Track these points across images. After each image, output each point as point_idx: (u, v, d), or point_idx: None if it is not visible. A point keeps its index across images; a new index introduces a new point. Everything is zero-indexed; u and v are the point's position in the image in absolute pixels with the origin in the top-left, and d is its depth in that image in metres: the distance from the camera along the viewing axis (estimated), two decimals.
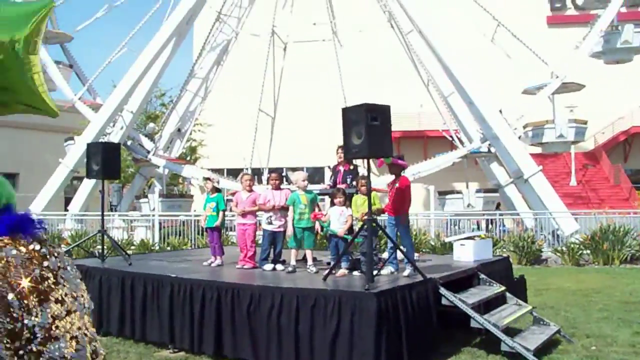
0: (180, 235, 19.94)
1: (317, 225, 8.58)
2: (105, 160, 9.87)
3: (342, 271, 7.78)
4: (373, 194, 7.74)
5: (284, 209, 8.63)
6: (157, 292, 7.72)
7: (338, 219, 8.08)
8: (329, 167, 33.77)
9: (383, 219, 8.46)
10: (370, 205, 7.11)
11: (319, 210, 8.65)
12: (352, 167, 9.46)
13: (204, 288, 7.17)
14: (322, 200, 9.98)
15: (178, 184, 34.90)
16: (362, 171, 9.58)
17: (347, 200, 8.22)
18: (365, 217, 7.17)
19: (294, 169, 28.07)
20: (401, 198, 7.89)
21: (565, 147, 27.61)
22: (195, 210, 24.46)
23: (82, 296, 1.70)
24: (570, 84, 24.22)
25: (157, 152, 26.02)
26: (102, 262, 9.55)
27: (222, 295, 6.97)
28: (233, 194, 10.64)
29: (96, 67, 37.08)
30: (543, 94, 23.45)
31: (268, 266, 8.62)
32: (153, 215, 21.83)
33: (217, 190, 9.44)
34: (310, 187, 8.86)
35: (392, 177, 8.12)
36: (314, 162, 34.40)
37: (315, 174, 33.63)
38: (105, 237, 10.15)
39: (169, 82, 47.57)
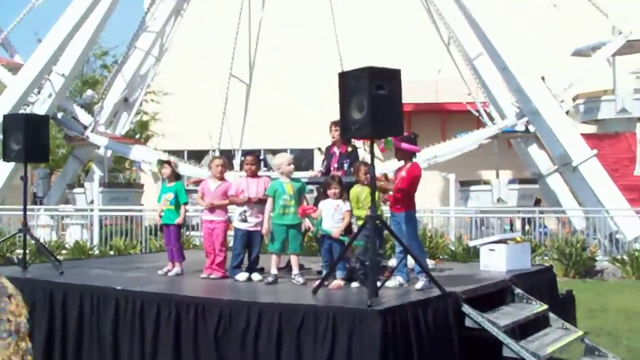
0: (127, 235, 19.96)
1: (307, 223, 8.55)
2: (28, 138, 9.82)
3: (338, 282, 7.85)
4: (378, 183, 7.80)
5: (262, 202, 8.67)
6: (98, 310, 7.64)
7: (332, 215, 8.11)
8: (319, 149, 32.84)
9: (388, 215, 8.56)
10: (374, 198, 7.16)
11: (308, 203, 8.69)
12: (350, 149, 9.45)
13: (159, 304, 7.14)
14: (311, 191, 10.15)
15: (124, 170, 34.82)
16: (363, 154, 9.65)
17: (344, 192, 8.26)
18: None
19: (275, 151, 27.88)
20: (408, 190, 7.95)
21: (628, 125, 27.64)
22: (143, 205, 24.40)
23: (9, 320, 1.63)
24: (638, 41, 24.23)
25: (97, 128, 25.95)
26: (24, 271, 9.42)
27: (183, 313, 6.94)
28: (196, 183, 10.60)
29: (13, 15, 36.69)
30: (600, 56, 23.50)
31: (242, 275, 8.65)
32: (91, 210, 21.79)
33: (177, 177, 9.43)
34: (297, 174, 8.84)
35: (401, 162, 8.13)
36: (300, 142, 34.56)
37: (302, 158, 33.64)
38: (28, 237, 10.06)
39: (112, 38, 47.28)
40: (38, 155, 10.26)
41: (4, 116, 10.60)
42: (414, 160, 8.07)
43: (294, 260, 8.50)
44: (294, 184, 8.48)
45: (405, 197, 7.94)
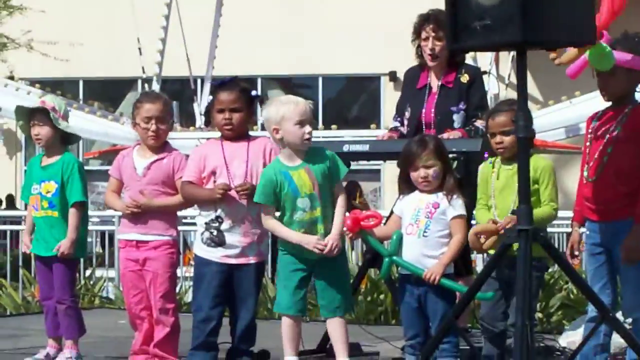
0: None
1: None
2: None
3: None
4: (535, 160, 4.98)
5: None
6: None
7: (422, 230, 5.14)
8: (391, 75, 21.93)
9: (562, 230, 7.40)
10: (527, 186, 4.67)
11: (363, 204, 7.29)
12: (465, 79, 6.09)
13: None
14: (377, 175, 7.91)
15: None
16: (493, 90, 8.20)
17: (454, 176, 5.17)
18: (510, 224, 4.80)
19: (285, 82, 19.07)
20: (635, 165, 5.06)
21: None
22: None
23: None
24: None
25: None
26: None
27: None
28: (103, 154, 8.71)
29: None
30: None
31: None
32: None
33: (65, 142, 6.20)
34: (338, 133, 7.09)
35: (603, 105, 5.22)
36: (348, 64, 19.77)
37: (352, 97, 23.07)
38: None
39: None
40: None
41: None
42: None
43: (336, 333, 5.34)
44: (314, 167, 5.14)
45: (626, 183, 5.13)
